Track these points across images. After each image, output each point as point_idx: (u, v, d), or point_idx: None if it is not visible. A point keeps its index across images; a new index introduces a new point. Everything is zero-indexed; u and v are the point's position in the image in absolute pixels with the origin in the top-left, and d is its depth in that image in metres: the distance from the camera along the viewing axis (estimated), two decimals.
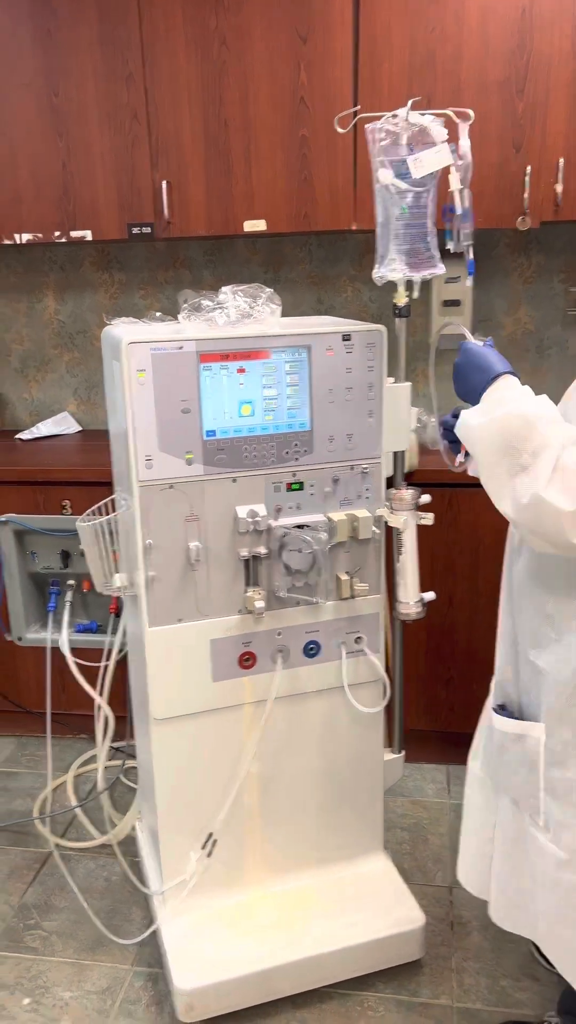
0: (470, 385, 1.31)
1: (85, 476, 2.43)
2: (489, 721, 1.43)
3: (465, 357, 1.35)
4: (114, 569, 1.76)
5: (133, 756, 2.38)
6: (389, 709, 1.89)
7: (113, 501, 1.79)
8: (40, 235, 2.50)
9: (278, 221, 2.38)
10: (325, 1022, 1.73)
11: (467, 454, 1.38)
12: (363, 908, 1.83)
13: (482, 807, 1.48)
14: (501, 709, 1.41)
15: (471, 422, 1.26)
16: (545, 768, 1.31)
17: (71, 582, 2.52)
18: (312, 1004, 1.76)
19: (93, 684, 2.08)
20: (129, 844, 2.20)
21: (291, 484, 1.67)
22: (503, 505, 1.21)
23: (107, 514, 1.74)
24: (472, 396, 1.30)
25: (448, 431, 1.42)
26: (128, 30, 2.30)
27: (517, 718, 1.38)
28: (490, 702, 1.46)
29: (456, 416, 1.34)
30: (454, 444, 1.41)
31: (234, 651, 1.71)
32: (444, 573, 2.36)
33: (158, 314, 1.78)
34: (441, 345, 2.67)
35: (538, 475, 1.14)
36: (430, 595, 1.81)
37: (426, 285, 1.65)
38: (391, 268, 1.61)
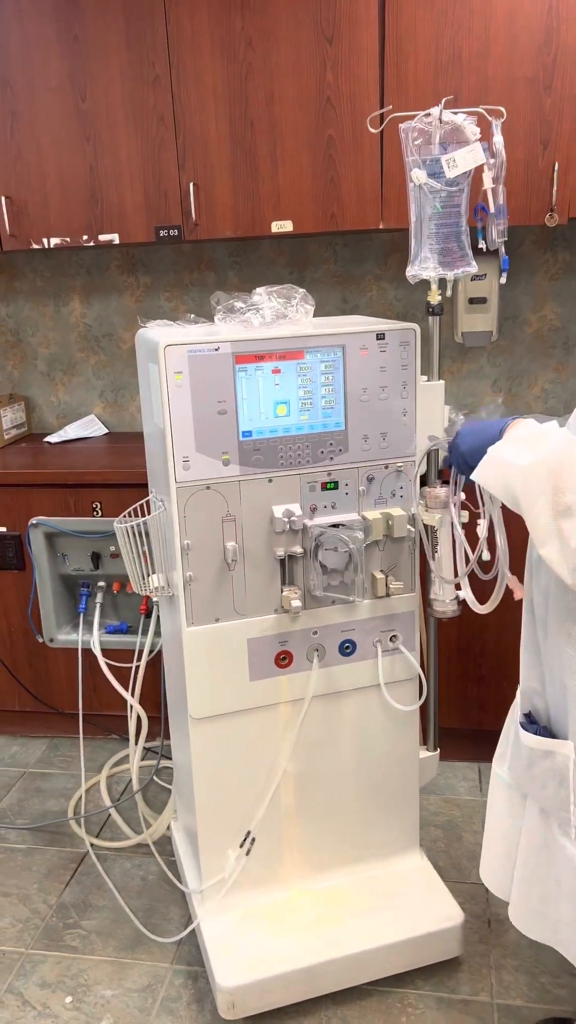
0: (486, 435, 1.27)
1: (115, 478, 2.45)
2: (516, 728, 1.42)
3: (474, 422, 1.33)
4: (151, 569, 1.77)
5: (166, 756, 2.39)
6: (423, 707, 1.89)
7: (148, 502, 1.80)
8: (68, 239, 2.52)
9: (305, 221, 2.39)
10: (366, 1019, 1.73)
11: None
12: (401, 905, 1.83)
13: (507, 811, 1.47)
14: (527, 720, 1.39)
15: (509, 457, 1.18)
16: (575, 783, 1.29)
17: (101, 584, 2.54)
18: (352, 1001, 1.77)
19: (124, 685, 2.10)
20: (164, 844, 2.22)
21: (326, 483, 1.67)
22: (547, 549, 1.13)
23: (143, 515, 1.75)
24: (486, 444, 1.26)
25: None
26: (154, 33, 2.31)
27: (545, 729, 1.36)
28: (516, 711, 1.45)
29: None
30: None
31: (271, 650, 1.72)
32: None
33: (192, 316, 1.79)
34: (467, 343, 2.68)
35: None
36: (465, 592, 1.81)
37: (453, 283, 1.66)
38: (425, 266, 1.61)
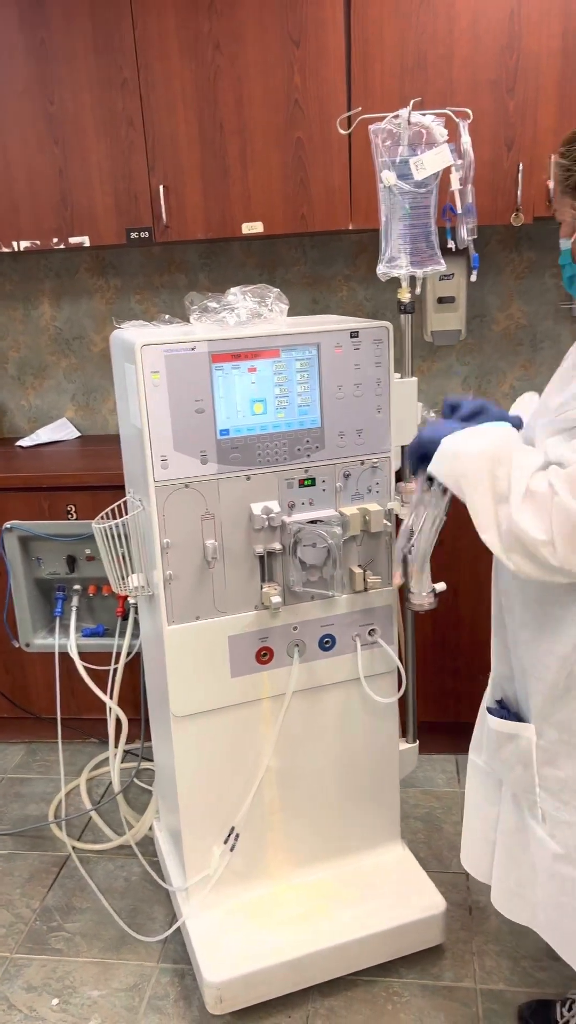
0: (445, 427, 1.32)
1: (89, 480, 2.45)
2: (484, 713, 1.48)
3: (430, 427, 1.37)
4: (130, 570, 1.78)
5: (146, 758, 2.40)
6: (402, 700, 1.92)
7: (125, 503, 1.81)
8: (38, 242, 2.51)
9: (275, 223, 2.41)
10: (352, 1009, 1.75)
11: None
12: (384, 896, 1.85)
13: (484, 797, 1.52)
14: (498, 706, 1.45)
15: (458, 447, 1.25)
16: (538, 766, 1.35)
17: (77, 587, 2.53)
18: (339, 992, 1.79)
19: (102, 688, 2.10)
20: (147, 845, 2.22)
21: (303, 480, 1.70)
22: (487, 536, 1.21)
23: (119, 516, 1.76)
24: (446, 433, 1.30)
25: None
26: (122, 37, 2.32)
27: (515, 715, 1.41)
28: (486, 697, 1.50)
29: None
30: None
31: (251, 647, 1.73)
32: (449, 564, 2.39)
33: (167, 317, 1.80)
34: (436, 341, 2.72)
35: (513, 501, 1.16)
36: (441, 585, 1.84)
37: (421, 282, 1.69)
38: (395, 265, 1.64)
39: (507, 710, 1.44)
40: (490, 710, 1.45)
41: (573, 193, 1.24)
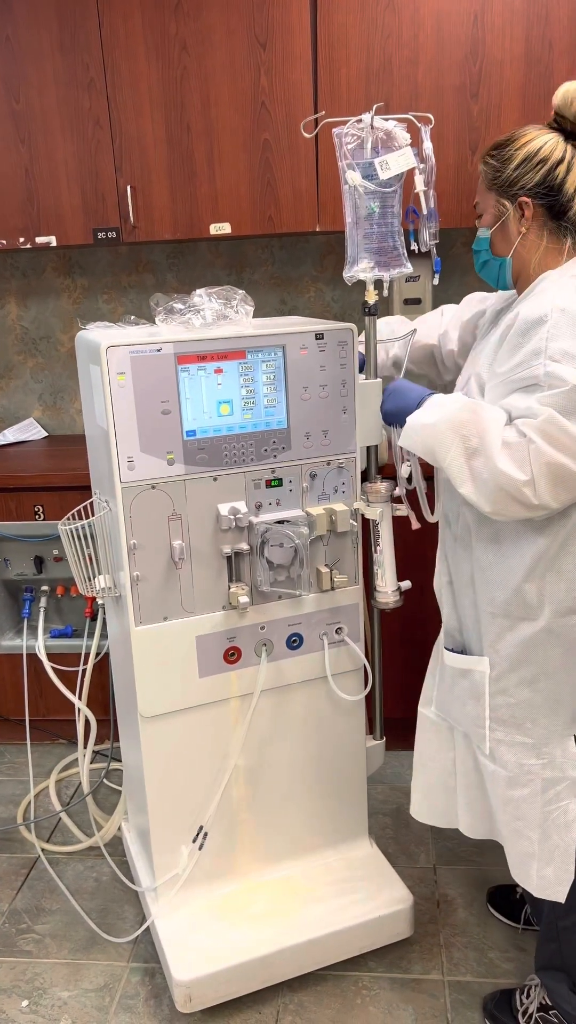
0: (406, 400, 1.54)
1: (57, 481, 2.44)
2: (440, 662, 1.61)
3: (399, 382, 1.62)
4: (97, 571, 1.78)
5: (115, 758, 2.39)
6: (369, 697, 1.94)
7: (91, 504, 1.81)
8: (4, 242, 2.50)
9: (242, 224, 2.42)
10: (322, 1003, 1.77)
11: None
12: (352, 891, 1.87)
13: (437, 747, 1.64)
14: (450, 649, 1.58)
15: (423, 420, 1.44)
16: (490, 697, 1.48)
17: (45, 588, 2.52)
18: (308, 987, 1.80)
19: (71, 689, 2.10)
20: (116, 845, 2.22)
21: (270, 481, 1.71)
22: (465, 488, 1.37)
23: (86, 517, 1.76)
24: (407, 408, 1.51)
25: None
26: (88, 36, 2.32)
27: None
28: (438, 645, 1.64)
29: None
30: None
31: (219, 647, 1.74)
32: (415, 563, 2.42)
33: (132, 318, 1.80)
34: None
35: (490, 453, 1.32)
36: (407, 584, 1.87)
37: (388, 285, 1.71)
38: (361, 267, 1.66)
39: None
40: (447, 647, 1.59)
41: (499, 191, 1.45)
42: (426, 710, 1.68)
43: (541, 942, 1.63)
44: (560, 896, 1.47)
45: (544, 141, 1.40)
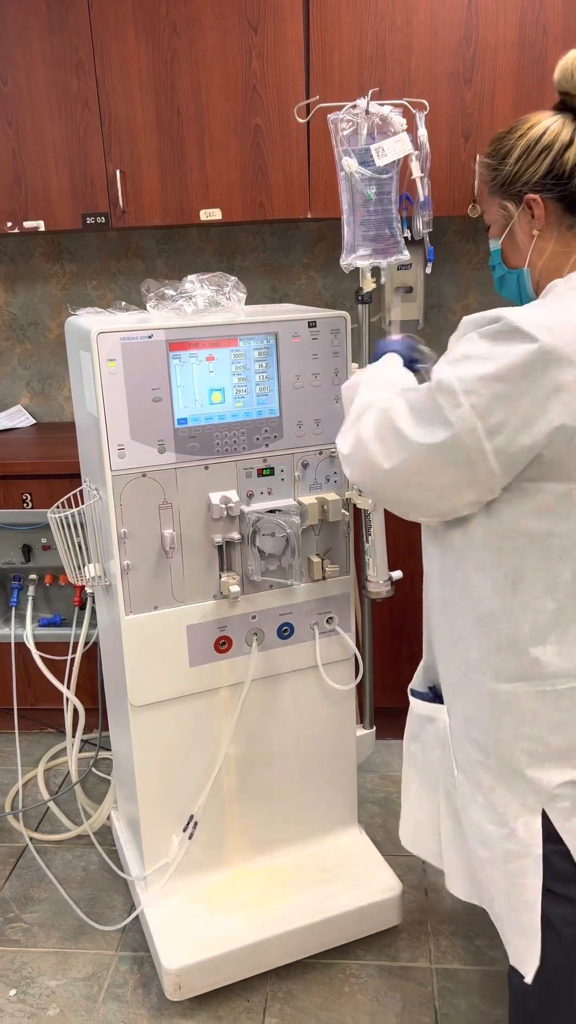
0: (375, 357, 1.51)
1: (45, 469, 2.42)
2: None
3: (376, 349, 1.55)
4: (86, 559, 1.76)
5: (104, 747, 2.39)
6: (359, 686, 1.94)
7: (81, 492, 1.79)
8: None
9: (233, 210, 2.39)
10: (310, 991, 1.78)
11: None
12: (341, 880, 1.88)
13: (419, 787, 1.50)
14: (429, 690, 1.45)
15: (354, 379, 1.42)
16: (454, 749, 1.35)
17: (33, 576, 2.50)
18: (297, 975, 1.81)
19: (59, 678, 2.09)
20: (105, 834, 2.22)
21: (262, 470, 1.70)
22: (340, 440, 1.32)
23: (75, 505, 1.74)
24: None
25: None
26: (77, 17, 2.28)
27: (440, 697, 1.41)
28: (412, 683, 1.50)
29: None
30: None
31: (210, 636, 1.73)
32: (406, 554, 2.42)
33: (123, 304, 1.78)
34: (395, 331, 2.73)
35: (342, 430, 1.30)
36: (398, 574, 1.87)
37: (382, 272, 1.70)
38: (359, 255, 1.65)
39: (434, 693, 1.44)
40: (412, 691, 1.47)
41: (501, 192, 1.24)
42: (413, 745, 1.50)
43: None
44: (528, 972, 1.27)
45: (547, 125, 1.19)
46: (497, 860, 1.28)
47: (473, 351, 1.11)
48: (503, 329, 1.09)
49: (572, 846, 1.24)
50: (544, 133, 1.18)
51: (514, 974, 1.32)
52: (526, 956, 1.27)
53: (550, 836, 1.24)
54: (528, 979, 1.27)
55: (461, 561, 1.25)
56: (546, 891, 1.25)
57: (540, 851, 1.24)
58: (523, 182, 1.20)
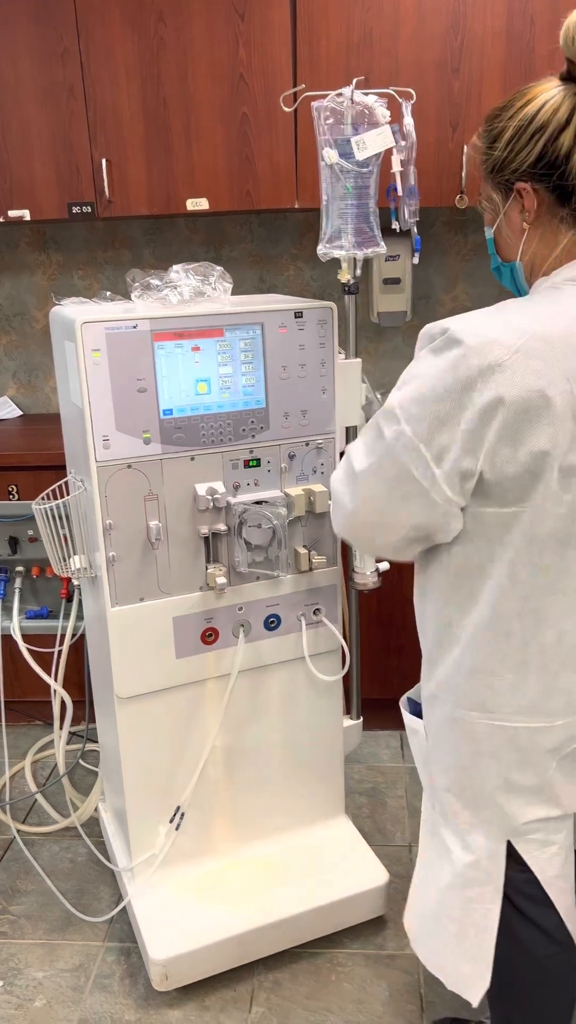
0: None
1: (32, 460, 2.40)
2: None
3: None
4: (72, 551, 1.76)
5: (91, 739, 2.38)
6: (347, 677, 1.94)
7: (67, 483, 1.78)
8: None
9: (220, 199, 2.38)
10: (297, 980, 1.79)
11: None
12: (328, 870, 1.89)
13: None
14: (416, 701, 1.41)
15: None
16: (431, 765, 1.31)
17: (20, 568, 2.49)
18: (284, 965, 1.82)
19: (47, 670, 2.08)
20: (92, 826, 2.21)
21: (248, 461, 1.69)
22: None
23: (61, 497, 1.73)
24: None
25: None
26: (62, 5, 2.25)
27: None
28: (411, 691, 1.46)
29: None
30: None
31: (197, 627, 1.73)
32: None
33: (108, 294, 1.77)
34: (383, 323, 2.73)
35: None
36: (384, 565, 1.86)
37: (367, 264, 1.69)
38: (336, 245, 1.64)
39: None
40: (401, 703, 1.43)
41: (490, 179, 1.13)
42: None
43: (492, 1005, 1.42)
44: (474, 997, 1.26)
45: (544, 101, 1.04)
46: (457, 884, 1.26)
47: (416, 370, 1.08)
48: (445, 343, 1.04)
49: (541, 877, 1.22)
50: (540, 111, 1.04)
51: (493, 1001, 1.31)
52: (473, 983, 1.26)
53: (518, 863, 1.22)
54: (475, 1004, 1.26)
55: (428, 581, 1.22)
56: (517, 912, 1.24)
57: (502, 881, 1.22)
58: (512, 169, 1.08)
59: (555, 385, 1.00)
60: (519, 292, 1.20)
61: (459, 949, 1.28)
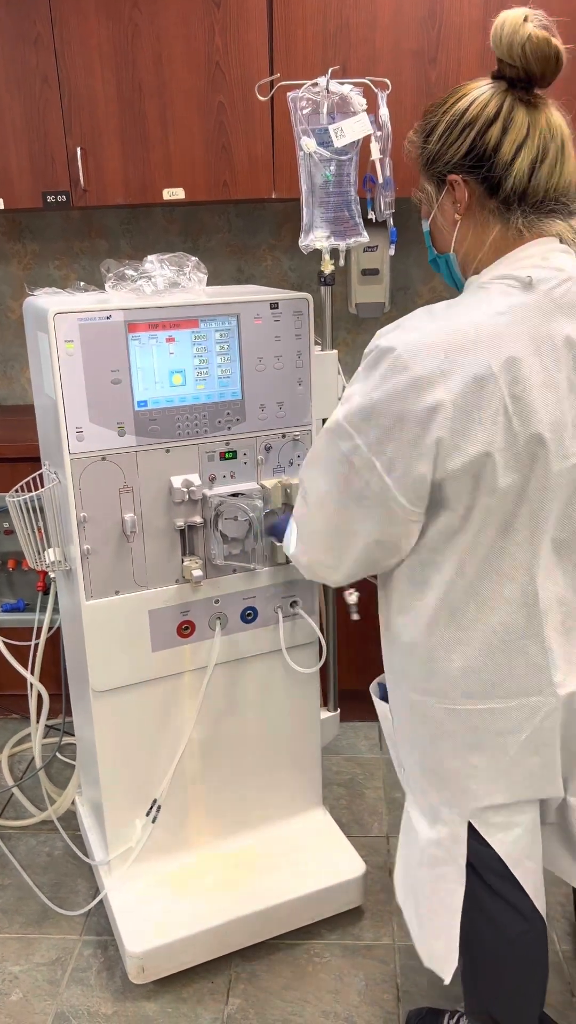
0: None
1: (6, 452, 2.38)
2: None
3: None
4: (46, 544, 1.74)
5: (68, 732, 2.37)
6: (324, 669, 1.94)
7: (41, 476, 1.76)
8: None
9: (197, 189, 2.36)
10: (274, 971, 1.79)
11: None
12: (306, 861, 1.89)
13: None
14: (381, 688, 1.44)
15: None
16: (398, 747, 1.35)
17: None
18: (261, 956, 1.82)
19: (23, 663, 2.06)
20: (69, 819, 2.20)
21: (224, 453, 1.68)
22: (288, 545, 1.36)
23: (35, 489, 1.71)
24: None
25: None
26: None
27: None
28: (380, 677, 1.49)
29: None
30: None
31: (173, 620, 1.72)
32: None
33: (82, 284, 1.75)
34: (361, 314, 2.72)
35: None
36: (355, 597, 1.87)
37: (346, 254, 1.69)
38: (317, 236, 1.63)
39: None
40: (372, 690, 1.46)
41: (425, 171, 1.17)
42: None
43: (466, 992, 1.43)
44: (446, 974, 1.28)
45: (474, 97, 1.09)
46: (424, 863, 1.29)
47: (355, 386, 1.11)
48: (378, 355, 1.08)
49: (506, 859, 1.24)
50: (470, 107, 1.09)
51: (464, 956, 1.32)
52: (445, 959, 1.28)
53: (481, 841, 1.24)
54: (447, 981, 1.28)
55: (388, 571, 1.26)
56: (487, 887, 1.25)
57: (463, 862, 1.24)
58: (445, 162, 1.12)
59: (488, 383, 1.03)
60: (455, 283, 1.24)
61: (430, 926, 1.31)
